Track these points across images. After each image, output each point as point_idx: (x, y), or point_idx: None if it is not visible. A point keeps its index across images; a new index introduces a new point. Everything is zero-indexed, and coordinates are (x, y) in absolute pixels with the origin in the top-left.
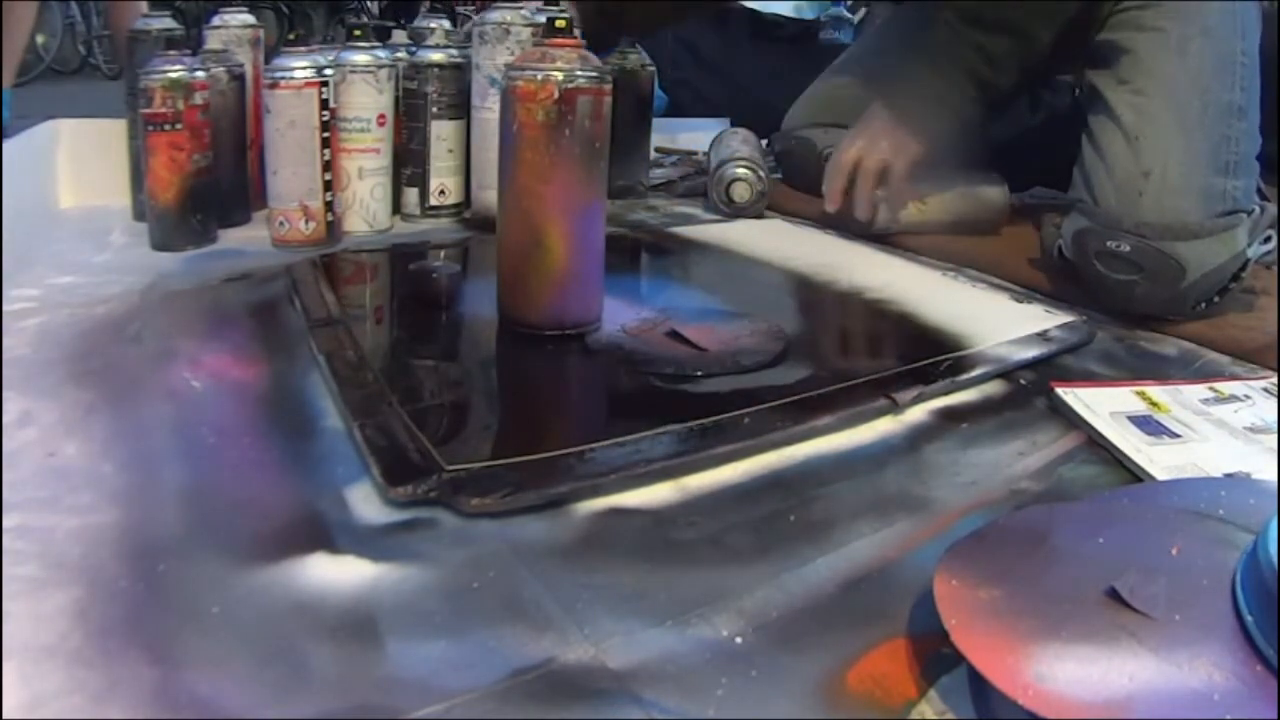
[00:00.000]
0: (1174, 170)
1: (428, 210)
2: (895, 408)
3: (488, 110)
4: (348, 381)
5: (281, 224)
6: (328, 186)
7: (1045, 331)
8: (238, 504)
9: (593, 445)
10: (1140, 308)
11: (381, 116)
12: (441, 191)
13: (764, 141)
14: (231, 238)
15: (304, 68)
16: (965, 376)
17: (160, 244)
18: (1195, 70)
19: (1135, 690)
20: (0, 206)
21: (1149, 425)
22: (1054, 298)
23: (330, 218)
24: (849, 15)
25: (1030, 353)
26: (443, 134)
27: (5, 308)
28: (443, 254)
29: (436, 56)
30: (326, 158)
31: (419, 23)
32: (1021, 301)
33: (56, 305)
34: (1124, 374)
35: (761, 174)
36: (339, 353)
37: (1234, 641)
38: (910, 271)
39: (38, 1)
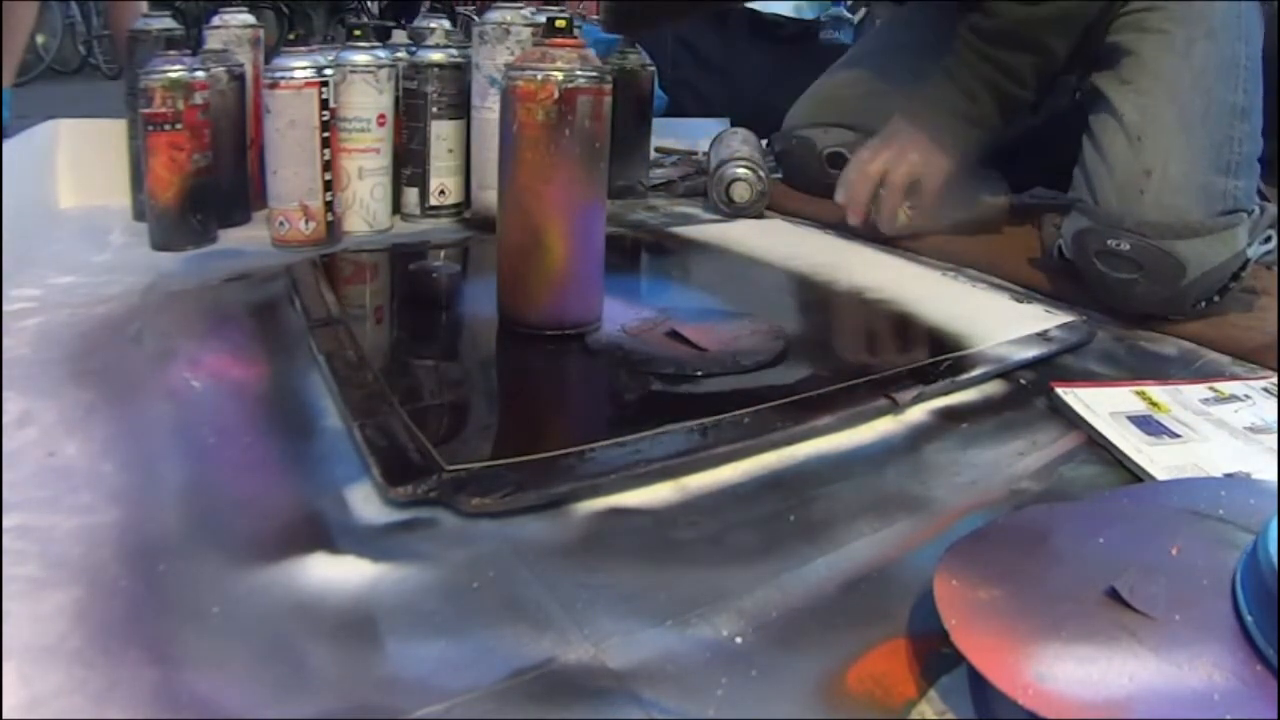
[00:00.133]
0: (1175, 169)
1: (428, 210)
2: (895, 407)
3: (488, 110)
4: (348, 381)
5: (281, 224)
6: (328, 186)
7: (1045, 331)
8: (238, 504)
9: (593, 445)
10: (1140, 307)
11: (381, 116)
12: (441, 191)
13: (764, 141)
14: (231, 238)
15: (304, 68)
16: (965, 376)
17: (160, 244)
18: (1199, 71)
19: (1135, 690)
20: (0, 206)
21: (1149, 425)
22: (1054, 298)
23: (330, 218)
24: (849, 15)
25: (1030, 353)
26: (443, 134)
27: (5, 308)
28: (443, 254)
29: (436, 56)
30: (326, 158)
31: (419, 23)
32: (1021, 301)
33: (56, 305)
34: (1124, 374)
35: (761, 174)
36: (339, 353)
37: (1234, 641)
38: (910, 271)
39: (38, 1)
